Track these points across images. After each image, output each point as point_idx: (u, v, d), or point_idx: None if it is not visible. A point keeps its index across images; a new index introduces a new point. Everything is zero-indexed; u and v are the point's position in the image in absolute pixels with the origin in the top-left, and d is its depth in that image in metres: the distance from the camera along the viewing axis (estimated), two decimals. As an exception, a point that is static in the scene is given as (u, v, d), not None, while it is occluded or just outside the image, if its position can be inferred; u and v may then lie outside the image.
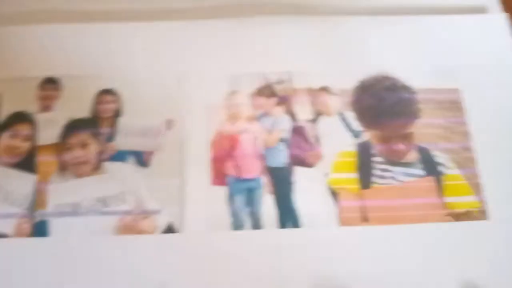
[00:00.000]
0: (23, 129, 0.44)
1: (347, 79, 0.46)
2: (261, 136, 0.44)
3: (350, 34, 0.48)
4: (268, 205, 0.42)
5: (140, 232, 0.41)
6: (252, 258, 0.40)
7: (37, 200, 0.42)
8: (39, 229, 0.41)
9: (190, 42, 0.47)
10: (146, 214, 0.42)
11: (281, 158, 0.43)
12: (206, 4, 0.49)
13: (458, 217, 0.41)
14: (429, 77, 0.46)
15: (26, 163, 0.44)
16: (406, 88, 0.45)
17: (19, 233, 0.41)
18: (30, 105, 0.46)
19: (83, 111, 0.45)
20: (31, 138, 0.44)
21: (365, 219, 0.41)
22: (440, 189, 0.42)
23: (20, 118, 0.45)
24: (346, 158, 0.43)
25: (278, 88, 0.46)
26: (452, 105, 0.45)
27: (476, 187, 0.43)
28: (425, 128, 0.44)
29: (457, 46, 0.48)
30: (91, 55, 0.47)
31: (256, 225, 0.41)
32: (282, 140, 0.44)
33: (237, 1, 0.49)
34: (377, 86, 0.45)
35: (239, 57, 0.47)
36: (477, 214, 0.42)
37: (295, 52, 0.47)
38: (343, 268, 0.40)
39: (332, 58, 0.47)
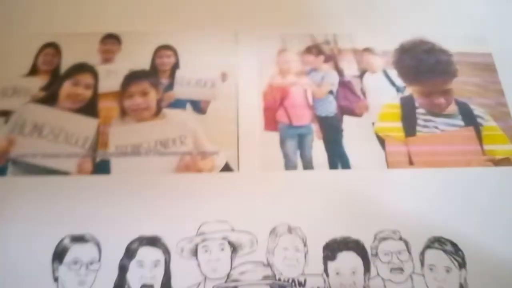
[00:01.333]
0: (85, 78, 0.47)
1: (388, 42, 0.49)
2: (311, 88, 0.47)
3: (392, 2, 0.52)
4: (318, 149, 0.45)
5: (199, 170, 0.43)
6: (304, 196, 0.42)
7: (99, 141, 0.44)
8: (101, 168, 0.43)
9: (243, 2, 0.51)
10: (205, 155, 0.43)
11: (330, 108, 0.46)
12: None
13: (498, 163, 0.44)
14: (463, 42, 0.50)
15: (88, 109, 0.46)
16: (443, 51, 0.49)
17: (81, 171, 0.43)
18: (91, 58, 0.48)
19: (142, 65, 0.48)
20: (92, 86, 0.47)
21: (411, 163, 0.44)
22: (479, 138, 0.45)
23: (82, 68, 0.47)
24: (391, 109, 0.46)
25: (325, 48, 0.49)
26: (486, 67, 0.49)
27: (512, 138, 0.45)
28: (462, 86, 0.48)
29: (490, 15, 0.51)
30: (150, 12, 0.50)
31: (308, 166, 0.43)
32: (330, 92, 0.47)
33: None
34: (416, 49, 0.49)
35: (289, 19, 0.50)
36: (515, 160, 0.44)
37: (340, 16, 0.51)
38: (389, 206, 0.42)
39: (375, 23, 0.50)
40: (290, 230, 0.41)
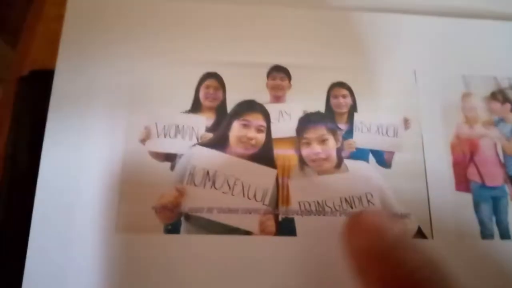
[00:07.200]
0: (256, 119, 0.42)
1: None
2: (500, 142, 0.43)
3: None
4: (514, 215, 0.41)
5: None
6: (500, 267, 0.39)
7: (280, 196, 0.40)
8: (285, 228, 0.39)
9: (421, 38, 0.46)
10: (395, 217, 0.40)
11: (520, 167, 0.43)
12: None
13: None
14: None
15: (263, 156, 0.41)
16: None
17: (264, 231, 0.39)
18: (259, 95, 0.43)
19: (315, 105, 0.43)
20: (265, 129, 0.42)
21: None
22: None
23: (251, 107, 0.42)
24: None
25: (511, 95, 0.45)
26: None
27: None
28: None
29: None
30: (320, 44, 0.44)
31: (505, 235, 0.40)
32: (522, 148, 0.43)
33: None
34: None
35: (470, 59, 0.45)
36: None
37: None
38: None
39: None
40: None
